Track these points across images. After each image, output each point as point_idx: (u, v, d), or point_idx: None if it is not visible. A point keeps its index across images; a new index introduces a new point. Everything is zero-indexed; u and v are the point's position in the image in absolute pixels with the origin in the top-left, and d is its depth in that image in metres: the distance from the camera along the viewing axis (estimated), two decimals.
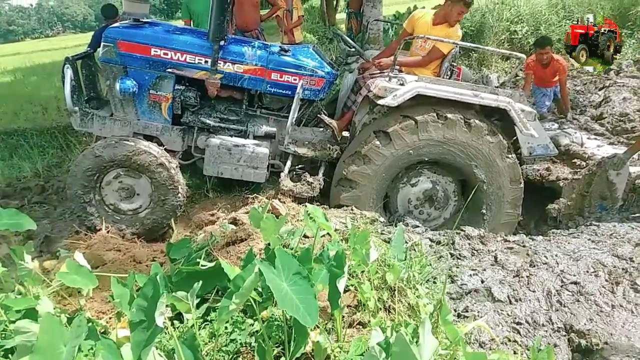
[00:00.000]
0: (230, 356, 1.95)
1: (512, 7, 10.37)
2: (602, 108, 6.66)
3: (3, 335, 1.80)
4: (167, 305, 1.94)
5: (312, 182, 3.96)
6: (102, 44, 3.89)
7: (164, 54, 3.88)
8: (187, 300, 1.81)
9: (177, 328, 2.08)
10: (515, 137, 4.04)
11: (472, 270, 2.93)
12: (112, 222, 3.77)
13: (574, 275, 2.93)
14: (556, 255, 3.17)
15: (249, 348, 1.98)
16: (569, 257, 3.19)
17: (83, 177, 3.68)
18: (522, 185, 3.93)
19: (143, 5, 4.02)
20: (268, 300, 2.03)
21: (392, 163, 3.85)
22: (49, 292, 2.26)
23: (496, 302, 2.65)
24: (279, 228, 2.18)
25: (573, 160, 4.56)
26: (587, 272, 3.01)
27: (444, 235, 3.46)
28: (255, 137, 4.15)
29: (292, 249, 2.54)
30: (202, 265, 2.20)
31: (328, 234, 2.83)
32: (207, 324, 2.08)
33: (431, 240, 3.36)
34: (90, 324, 1.60)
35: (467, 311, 2.54)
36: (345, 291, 2.39)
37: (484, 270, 2.94)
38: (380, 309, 2.24)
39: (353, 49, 4.39)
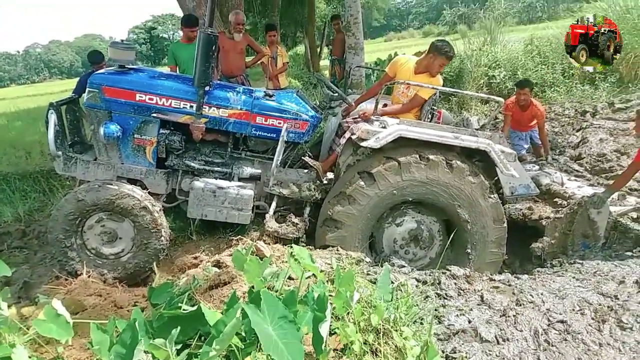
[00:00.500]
0: None
1: (489, 53, 10.75)
2: (580, 149, 6.85)
3: None
4: (146, 352, 1.89)
5: (297, 223, 3.96)
6: (87, 89, 3.92)
7: (149, 99, 3.92)
8: (166, 348, 1.76)
9: None
10: (496, 178, 4.10)
11: (459, 310, 2.91)
12: (94, 267, 3.69)
13: (560, 314, 2.92)
14: (542, 294, 3.17)
15: None
16: (554, 295, 3.19)
17: (65, 221, 3.62)
18: (505, 224, 3.97)
19: (128, 52, 4.09)
20: (251, 345, 1.98)
21: (377, 203, 3.87)
22: (26, 340, 2.18)
23: (484, 342, 2.62)
24: (263, 270, 2.16)
25: (554, 200, 4.63)
26: (573, 310, 3.01)
27: (430, 275, 3.44)
28: (240, 179, 4.16)
29: (276, 291, 2.51)
30: (183, 310, 2.15)
31: (314, 275, 2.81)
32: None
33: (417, 280, 3.34)
34: None
35: (455, 352, 2.50)
36: (331, 334, 2.36)
37: (471, 310, 2.92)
38: (367, 352, 2.20)
39: (336, 94, 4.50)
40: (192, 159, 4.15)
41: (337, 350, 2.24)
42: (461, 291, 3.22)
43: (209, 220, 4.00)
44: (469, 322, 2.79)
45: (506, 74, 10.12)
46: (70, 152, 4.09)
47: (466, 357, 2.46)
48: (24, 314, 2.80)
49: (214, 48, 3.77)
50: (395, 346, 2.29)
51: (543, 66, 10.45)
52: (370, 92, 4.63)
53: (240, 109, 4.03)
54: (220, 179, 4.11)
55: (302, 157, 4.43)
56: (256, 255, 3.19)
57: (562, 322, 2.83)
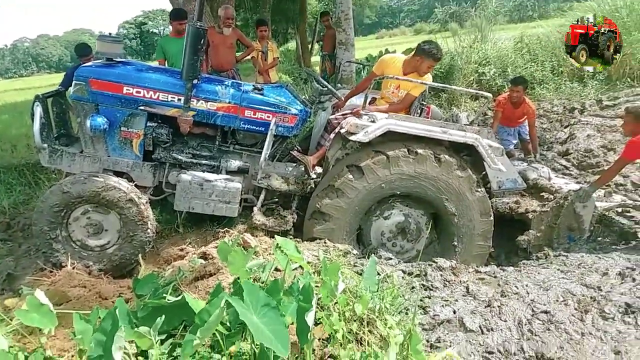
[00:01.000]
0: None
1: (479, 51, 10.78)
2: (567, 145, 6.91)
3: None
4: (131, 342, 1.88)
5: (285, 216, 3.96)
6: (74, 82, 3.90)
7: (137, 92, 3.90)
8: (150, 336, 1.76)
9: None
10: (484, 172, 4.13)
11: (444, 301, 2.93)
12: (79, 259, 3.66)
13: (544, 305, 2.95)
14: (526, 285, 3.20)
15: None
16: (539, 286, 3.22)
17: (50, 213, 3.59)
18: (492, 218, 4.00)
19: (116, 45, 4.07)
20: (236, 334, 1.98)
21: (365, 196, 3.89)
22: (8, 330, 2.17)
23: (468, 332, 2.65)
24: (247, 261, 2.16)
25: (541, 194, 4.67)
26: (557, 301, 3.04)
27: (416, 267, 3.47)
28: (227, 173, 4.14)
29: (262, 282, 2.51)
30: (168, 300, 2.14)
31: (301, 267, 2.81)
32: None
33: (404, 272, 3.36)
34: None
35: (439, 342, 2.52)
36: (316, 324, 2.36)
37: (456, 300, 2.94)
38: (352, 341, 2.21)
39: (325, 88, 4.50)
40: (179, 151, 4.14)
41: (322, 339, 2.25)
42: (447, 282, 3.25)
43: (196, 213, 3.99)
44: (454, 312, 2.81)
45: (496, 71, 10.17)
46: (56, 144, 4.06)
47: (450, 346, 2.48)
48: (7, 306, 2.78)
49: (202, 41, 3.75)
50: (380, 335, 2.30)
51: (532, 63, 10.52)
52: (358, 87, 4.64)
53: (229, 102, 4.02)
54: (207, 172, 4.09)
55: (291, 151, 4.43)
56: (242, 247, 3.19)
57: (545, 312, 2.86)
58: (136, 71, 4.02)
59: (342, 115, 4.33)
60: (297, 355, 2.10)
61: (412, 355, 1.78)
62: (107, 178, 3.71)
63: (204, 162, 4.16)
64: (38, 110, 3.83)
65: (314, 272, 2.82)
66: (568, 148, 6.73)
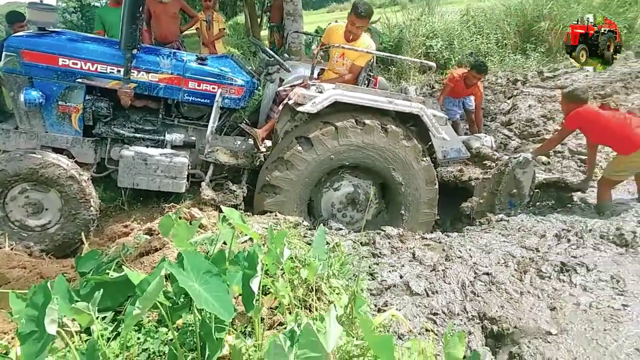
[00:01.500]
0: None
1: (427, 23, 10.88)
2: (510, 115, 7.15)
3: None
4: (73, 320, 1.83)
5: (234, 190, 3.92)
6: (4, 53, 3.67)
7: (73, 63, 3.73)
8: (89, 311, 1.71)
9: (86, 341, 1.96)
10: (430, 142, 4.22)
11: (392, 267, 3.02)
12: (19, 240, 3.52)
13: (486, 267, 3.09)
14: (470, 250, 3.34)
15: (163, 357, 1.90)
16: (481, 250, 3.37)
17: None
18: (437, 186, 4.11)
19: (49, 14, 3.83)
20: (183, 308, 1.96)
21: (315, 168, 3.90)
22: None
23: (414, 295, 2.74)
24: (192, 234, 2.12)
25: (484, 162, 4.83)
26: (498, 263, 3.20)
27: (365, 236, 3.53)
28: (173, 147, 4.04)
29: (211, 255, 2.48)
30: (110, 276, 2.09)
31: (250, 239, 2.80)
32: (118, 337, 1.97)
33: (354, 242, 3.42)
34: None
35: (386, 305, 2.60)
36: (266, 294, 2.38)
37: (403, 266, 3.04)
38: (301, 308, 2.24)
39: (272, 59, 4.42)
40: (121, 126, 4.00)
41: (272, 308, 2.27)
42: (394, 249, 3.34)
43: (141, 189, 3.88)
44: (401, 277, 2.90)
45: (443, 44, 10.30)
46: None
47: (397, 309, 2.56)
48: None
49: (141, 9, 3.60)
50: (329, 302, 2.34)
51: (478, 36, 10.72)
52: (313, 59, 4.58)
53: (172, 74, 3.90)
54: (152, 146, 3.98)
55: (239, 125, 4.36)
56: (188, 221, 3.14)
57: (487, 274, 3.00)
58: (72, 41, 3.83)
59: (291, 86, 4.29)
60: (245, 325, 2.12)
61: (357, 317, 1.82)
62: (46, 155, 3.55)
63: (147, 136, 4.03)
64: None
65: (263, 244, 2.82)
66: (510, 118, 6.97)
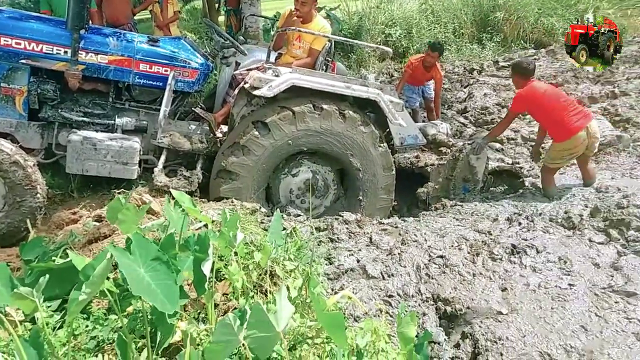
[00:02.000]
0: (91, 353, 1.80)
1: (386, 12, 10.92)
2: (466, 103, 7.29)
3: None
4: (17, 309, 1.74)
5: (189, 177, 3.83)
6: None
7: (16, 43, 3.56)
8: (33, 297, 1.63)
9: (30, 330, 1.87)
10: (388, 129, 4.24)
11: (349, 251, 3.03)
12: None
13: (440, 250, 3.15)
14: (425, 234, 3.38)
15: (112, 345, 1.84)
16: (436, 234, 3.42)
17: None
18: (394, 172, 4.15)
19: None
20: (133, 295, 1.89)
21: (272, 153, 3.85)
22: None
23: (370, 278, 2.76)
24: (140, 218, 2.05)
25: (440, 149, 4.91)
26: (452, 246, 3.26)
27: (323, 222, 3.53)
28: (124, 132, 3.90)
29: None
30: (56, 263, 2.00)
31: (205, 226, 2.74)
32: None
33: (312, 228, 3.41)
34: None
35: (342, 289, 2.60)
36: (220, 280, 2.33)
37: (360, 250, 3.05)
38: (256, 292, 2.21)
39: (227, 41, 4.33)
40: (69, 110, 3.83)
41: (227, 294, 2.23)
42: (352, 234, 3.34)
43: (91, 176, 3.74)
44: (358, 261, 2.91)
45: (402, 32, 10.38)
46: None
47: (353, 292, 2.57)
48: None
49: None
50: (287, 287, 2.32)
51: (436, 25, 10.85)
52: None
53: (122, 55, 3.76)
54: (101, 131, 3.83)
55: (194, 109, 4.25)
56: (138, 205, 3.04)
57: (441, 257, 3.05)
58: (14, 20, 3.65)
59: (247, 70, 4.21)
60: (199, 311, 2.07)
61: (310, 297, 1.81)
62: None
63: (97, 120, 3.88)
64: None
65: (217, 230, 2.77)
66: (466, 106, 7.11)
